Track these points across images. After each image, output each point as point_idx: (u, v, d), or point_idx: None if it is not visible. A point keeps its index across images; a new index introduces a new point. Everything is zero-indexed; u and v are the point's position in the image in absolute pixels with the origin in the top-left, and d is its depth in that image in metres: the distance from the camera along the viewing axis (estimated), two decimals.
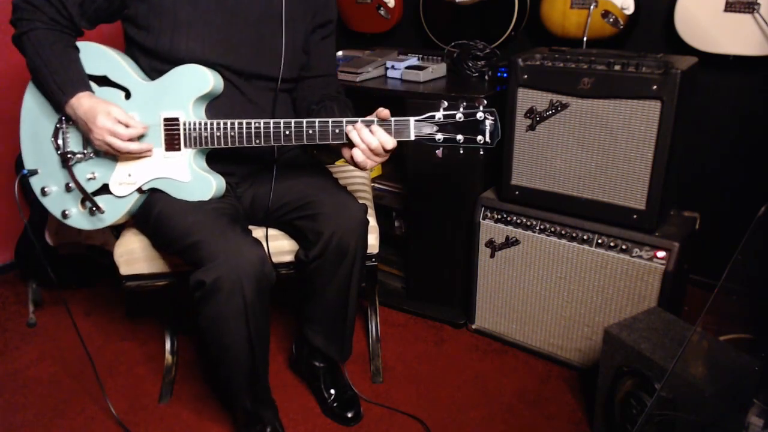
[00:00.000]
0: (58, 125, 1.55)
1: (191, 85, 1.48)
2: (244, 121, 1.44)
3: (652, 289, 1.72)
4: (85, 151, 1.55)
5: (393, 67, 2.25)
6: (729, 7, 1.84)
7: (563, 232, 1.85)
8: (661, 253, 1.69)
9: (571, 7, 2.05)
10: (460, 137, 1.38)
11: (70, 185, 1.56)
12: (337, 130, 1.42)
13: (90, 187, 1.56)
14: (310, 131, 1.42)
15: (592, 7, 2.01)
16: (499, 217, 1.96)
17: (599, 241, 1.79)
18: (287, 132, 1.43)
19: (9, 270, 2.58)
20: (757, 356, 1.31)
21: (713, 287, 1.23)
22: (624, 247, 1.75)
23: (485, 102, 1.37)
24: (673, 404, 1.31)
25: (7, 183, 2.46)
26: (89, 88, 1.50)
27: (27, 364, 2.02)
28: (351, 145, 1.41)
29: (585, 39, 2.04)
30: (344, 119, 1.41)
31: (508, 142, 1.88)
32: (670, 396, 1.31)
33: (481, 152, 1.40)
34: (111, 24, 1.57)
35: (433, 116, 1.38)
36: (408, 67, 2.21)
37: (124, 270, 1.64)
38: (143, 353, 2.06)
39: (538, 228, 1.89)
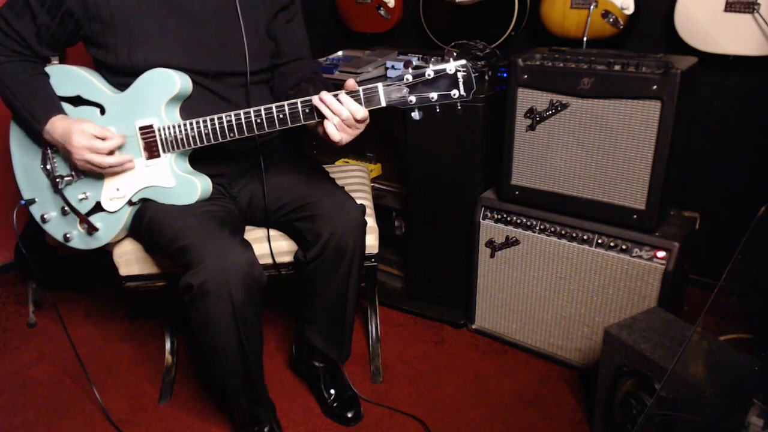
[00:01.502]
0: (44, 151, 1.56)
1: (159, 89, 1.46)
2: (216, 117, 1.43)
3: (652, 289, 1.71)
4: (73, 173, 1.55)
5: (393, 67, 2.25)
6: (729, 7, 1.84)
7: (563, 232, 1.85)
8: (661, 253, 1.69)
9: (571, 7, 2.05)
10: (433, 95, 1.31)
11: (65, 209, 1.57)
12: (307, 110, 1.38)
13: (83, 208, 1.56)
14: (281, 115, 1.40)
15: (592, 7, 2.01)
16: (499, 217, 1.96)
17: (599, 241, 1.79)
18: (258, 120, 1.41)
19: (9, 270, 2.58)
20: (757, 356, 1.31)
21: (713, 287, 1.23)
22: (624, 247, 1.74)
23: (455, 54, 1.30)
24: (673, 404, 1.31)
25: (6, 182, 2.46)
26: (61, 111, 1.50)
27: (27, 364, 2.02)
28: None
29: (585, 39, 2.04)
30: (312, 96, 1.37)
31: (508, 142, 1.88)
32: (670, 396, 1.31)
33: (459, 107, 1.33)
34: (83, 45, 1.55)
35: (402, 77, 1.31)
36: None
37: (124, 270, 1.65)
38: (143, 354, 2.06)
39: (538, 228, 1.89)
